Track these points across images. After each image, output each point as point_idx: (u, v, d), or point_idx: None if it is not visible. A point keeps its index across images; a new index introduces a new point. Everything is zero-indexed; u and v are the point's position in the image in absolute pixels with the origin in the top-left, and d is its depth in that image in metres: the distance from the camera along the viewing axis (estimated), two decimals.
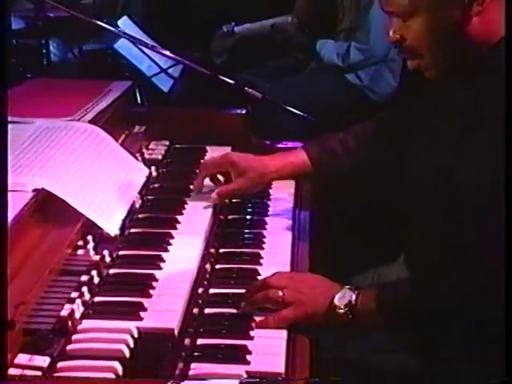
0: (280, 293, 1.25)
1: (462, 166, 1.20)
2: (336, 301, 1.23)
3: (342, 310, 1.23)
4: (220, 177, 1.65)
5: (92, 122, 1.68)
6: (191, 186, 1.69)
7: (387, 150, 1.54)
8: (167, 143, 1.93)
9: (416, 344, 1.27)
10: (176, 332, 1.19)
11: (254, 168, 1.57)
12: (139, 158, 1.77)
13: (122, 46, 2.64)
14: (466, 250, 1.18)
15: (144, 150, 1.86)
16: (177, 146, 1.94)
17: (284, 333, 1.22)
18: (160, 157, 1.86)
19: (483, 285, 1.16)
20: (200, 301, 1.30)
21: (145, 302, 1.24)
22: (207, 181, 1.67)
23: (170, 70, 2.72)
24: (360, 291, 1.24)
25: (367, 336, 1.31)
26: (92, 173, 1.50)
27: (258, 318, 1.24)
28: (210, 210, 1.59)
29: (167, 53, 2.39)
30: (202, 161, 1.71)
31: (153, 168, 1.76)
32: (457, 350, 1.22)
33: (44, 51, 2.80)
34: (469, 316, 1.18)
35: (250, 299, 1.26)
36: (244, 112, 1.98)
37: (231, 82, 2.20)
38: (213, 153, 1.90)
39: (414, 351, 1.27)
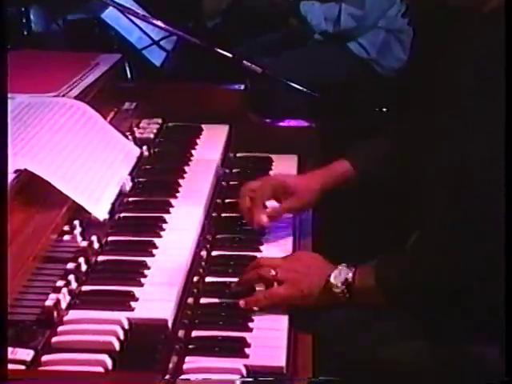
0: (273, 271, 1.27)
1: (471, 142, 1.21)
2: (332, 279, 1.25)
3: (338, 289, 1.24)
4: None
5: (78, 97, 1.68)
6: (186, 168, 1.69)
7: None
8: (159, 121, 1.93)
9: (416, 324, 1.28)
10: (169, 323, 1.19)
11: (305, 187, 1.53)
12: (129, 137, 1.77)
13: (110, 15, 2.62)
14: (471, 232, 1.19)
15: (135, 129, 1.86)
16: (170, 124, 1.94)
17: (285, 324, 1.23)
18: (152, 136, 1.86)
19: (486, 266, 1.16)
20: (195, 290, 1.31)
21: (136, 291, 1.24)
22: (204, 157, 1.66)
23: (162, 42, 2.71)
24: (357, 268, 1.26)
25: (378, 324, 1.32)
26: (78, 153, 1.50)
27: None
28: (205, 193, 1.60)
29: (159, 23, 2.38)
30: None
31: (144, 148, 1.76)
32: (457, 335, 1.23)
33: (24, 20, 2.78)
34: (469, 295, 1.19)
35: (242, 278, 1.29)
36: (242, 88, 1.97)
37: (229, 55, 2.20)
38: (208, 131, 1.90)
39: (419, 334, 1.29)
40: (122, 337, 1.14)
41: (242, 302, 1.25)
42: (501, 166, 1.12)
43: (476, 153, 1.19)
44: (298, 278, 1.27)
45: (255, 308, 1.25)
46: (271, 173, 1.76)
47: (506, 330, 1.07)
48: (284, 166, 1.80)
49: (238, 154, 1.85)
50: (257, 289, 1.29)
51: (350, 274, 1.25)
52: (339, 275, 1.25)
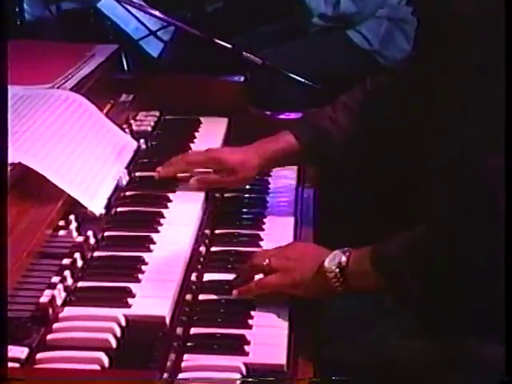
0: (267, 260, 1.28)
1: (471, 137, 1.21)
2: (326, 263, 1.24)
3: (332, 273, 1.23)
4: None
5: (74, 89, 1.68)
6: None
7: (381, 123, 1.55)
8: (157, 114, 1.93)
9: (416, 323, 1.28)
10: (167, 320, 1.19)
11: (242, 164, 1.56)
12: (126, 130, 1.78)
13: (105, 5, 2.63)
14: (471, 227, 1.20)
15: (131, 122, 1.86)
16: (168, 116, 1.94)
17: (285, 321, 1.23)
18: (149, 129, 1.86)
19: (486, 263, 1.16)
20: (193, 286, 1.31)
21: (133, 287, 1.24)
22: None
23: (159, 33, 2.71)
24: (352, 251, 1.25)
25: (379, 323, 1.32)
26: (74, 146, 1.50)
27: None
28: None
29: (157, 13, 2.38)
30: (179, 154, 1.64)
31: (141, 141, 1.76)
32: (457, 334, 1.23)
33: (17, 9, 2.77)
34: (469, 292, 1.19)
35: (239, 271, 1.31)
36: (242, 79, 1.97)
37: (228, 45, 2.20)
38: (207, 124, 1.90)
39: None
40: (118, 334, 1.14)
41: (234, 292, 1.26)
42: (501, 161, 1.12)
43: (476, 148, 1.19)
44: (290, 266, 1.27)
45: (249, 297, 1.26)
46: None
47: (506, 330, 1.08)
48: None
49: None
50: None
51: (344, 258, 1.24)
52: (333, 259, 1.24)
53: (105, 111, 1.75)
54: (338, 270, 1.23)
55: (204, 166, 1.59)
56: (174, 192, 1.57)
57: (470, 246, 1.17)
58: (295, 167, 1.77)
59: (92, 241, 1.36)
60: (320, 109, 1.62)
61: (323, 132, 1.57)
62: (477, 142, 1.19)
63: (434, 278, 1.21)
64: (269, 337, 1.20)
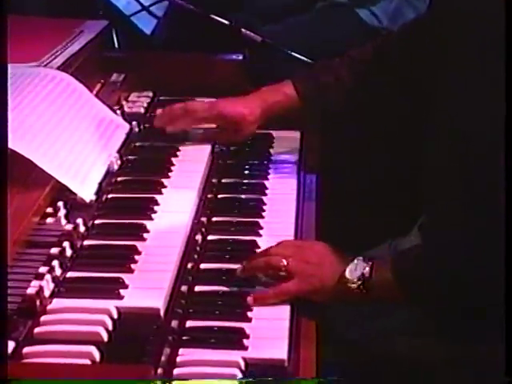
0: (284, 261, 1.28)
1: (474, 127, 1.22)
2: (347, 274, 1.26)
3: (354, 285, 1.26)
4: None
5: (61, 68, 1.68)
6: (179, 145, 1.70)
7: (382, 81, 1.61)
8: (150, 94, 1.94)
9: (420, 321, 1.30)
10: (162, 312, 1.20)
11: (246, 118, 1.66)
12: (118, 112, 1.78)
13: None
14: (475, 220, 1.21)
15: (123, 103, 1.87)
16: (161, 97, 1.94)
17: (287, 314, 1.24)
18: (142, 110, 1.86)
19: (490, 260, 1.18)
20: (189, 277, 1.32)
21: (125, 277, 1.25)
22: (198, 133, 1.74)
23: (152, 8, 2.70)
24: (374, 262, 1.27)
25: (385, 317, 1.34)
26: (62, 129, 1.50)
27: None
28: (200, 173, 1.61)
29: None
30: (182, 107, 1.72)
31: (134, 123, 1.77)
32: (458, 334, 1.26)
33: None
34: (472, 289, 1.22)
35: (249, 264, 1.30)
36: (240, 58, 1.97)
37: (225, 22, 2.19)
38: None
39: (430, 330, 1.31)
40: (110, 327, 1.15)
41: (249, 299, 1.25)
42: (501, 160, 1.13)
43: (479, 138, 1.20)
44: (309, 271, 1.28)
45: (265, 304, 1.26)
46: (272, 151, 1.77)
47: (507, 330, 1.09)
48: (286, 143, 1.81)
49: None
50: (260, 277, 1.30)
51: (367, 269, 1.26)
52: (355, 270, 1.26)
53: (94, 92, 1.76)
54: (360, 282, 1.26)
55: (207, 122, 1.69)
56: (169, 177, 1.57)
57: (470, 246, 1.20)
58: (297, 151, 1.77)
59: (82, 229, 1.37)
60: (328, 61, 1.69)
61: (324, 86, 1.64)
62: (477, 138, 1.20)
63: (441, 279, 1.23)
64: (269, 330, 1.20)
